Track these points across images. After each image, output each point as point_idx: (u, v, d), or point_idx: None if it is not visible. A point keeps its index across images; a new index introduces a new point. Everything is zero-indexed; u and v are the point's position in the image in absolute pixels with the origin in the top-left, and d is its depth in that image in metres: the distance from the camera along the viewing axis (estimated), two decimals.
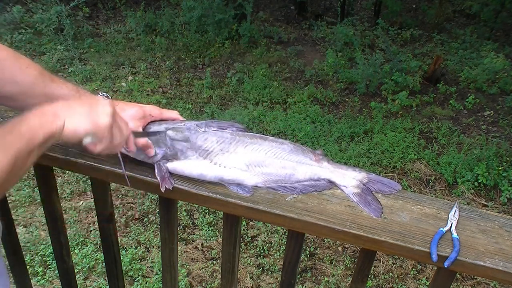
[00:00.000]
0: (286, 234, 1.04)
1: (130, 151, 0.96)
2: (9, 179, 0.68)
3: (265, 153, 0.97)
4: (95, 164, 0.99)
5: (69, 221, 3.06)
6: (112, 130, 0.81)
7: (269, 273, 2.83)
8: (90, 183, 1.16)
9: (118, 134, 0.83)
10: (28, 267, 1.87)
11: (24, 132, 0.70)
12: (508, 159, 3.87)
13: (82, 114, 0.77)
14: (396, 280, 2.86)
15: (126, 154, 0.97)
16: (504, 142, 4.13)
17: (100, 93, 0.99)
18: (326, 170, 0.98)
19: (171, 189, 0.94)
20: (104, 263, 1.78)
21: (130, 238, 3.00)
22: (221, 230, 2.76)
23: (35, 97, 0.95)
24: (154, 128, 0.98)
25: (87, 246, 2.88)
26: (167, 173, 0.96)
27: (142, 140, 0.94)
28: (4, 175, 0.66)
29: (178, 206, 2.47)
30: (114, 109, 0.82)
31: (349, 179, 0.97)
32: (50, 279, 2.64)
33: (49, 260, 2.74)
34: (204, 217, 3.19)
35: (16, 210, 3.10)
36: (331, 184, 0.98)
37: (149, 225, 3.13)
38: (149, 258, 2.85)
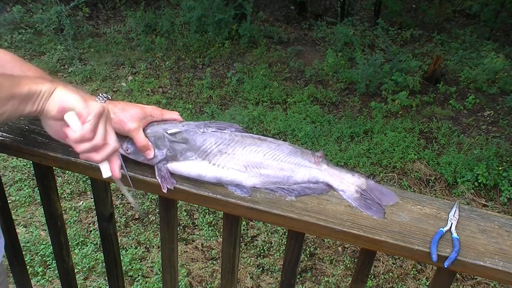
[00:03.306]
0: (286, 234, 1.04)
1: (130, 153, 0.96)
2: None
3: (263, 155, 0.97)
4: (96, 164, 0.99)
5: (69, 221, 3.06)
6: (98, 120, 0.78)
7: (269, 273, 2.83)
8: (90, 183, 1.15)
9: (102, 135, 0.79)
10: (28, 267, 1.87)
11: (14, 77, 0.72)
12: (508, 159, 3.87)
13: (75, 93, 0.78)
14: (396, 280, 2.86)
15: (126, 156, 0.97)
16: (504, 142, 4.13)
17: (100, 94, 0.99)
18: (325, 173, 0.97)
19: (172, 188, 0.94)
20: (104, 263, 1.78)
21: (130, 238, 3.00)
22: (221, 230, 2.77)
23: None
24: (153, 129, 0.98)
25: (87, 246, 2.88)
26: (167, 173, 0.96)
27: (143, 141, 0.94)
28: None
29: (178, 206, 2.47)
30: (108, 111, 0.81)
31: (347, 184, 0.96)
32: (50, 279, 2.64)
33: (49, 260, 2.74)
34: (204, 217, 3.19)
35: (16, 210, 3.10)
36: (329, 187, 0.97)
37: (149, 225, 3.13)
38: (149, 258, 2.85)
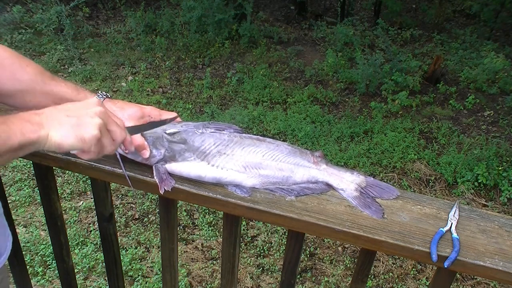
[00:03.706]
0: (286, 234, 1.04)
1: (129, 152, 0.95)
2: None
3: (262, 155, 0.97)
4: (95, 164, 0.99)
5: (69, 221, 3.06)
6: (100, 142, 0.80)
7: (269, 273, 2.83)
8: (90, 183, 1.15)
9: (109, 143, 0.82)
10: (28, 267, 1.87)
11: (0, 132, 0.70)
12: (508, 159, 3.87)
13: (68, 128, 0.76)
14: (396, 280, 2.86)
15: (125, 156, 0.97)
16: (504, 142, 4.13)
17: (99, 92, 0.98)
18: (324, 173, 0.97)
19: (170, 190, 0.94)
20: (104, 263, 1.78)
21: (130, 238, 3.00)
22: (221, 230, 2.76)
23: (35, 95, 0.95)
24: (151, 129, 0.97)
25: (87, 246, 2.88)
26: (165, 174, 0.95)
27: (139, 140, 0.94)
28: None
29: (178, 206, 2.47)
30: (105, 117, 0.80)
31: (347, 182, 0.96)
32: (50, 279, 2.64)
33: (49, 260, 2.74)
34: (204, 217, 3.19)
35: (16, 210, 3.10)
36: (329, 187, 0.97)
37: (149, 225, 3.13)
38: (149, 258, 2.85)
